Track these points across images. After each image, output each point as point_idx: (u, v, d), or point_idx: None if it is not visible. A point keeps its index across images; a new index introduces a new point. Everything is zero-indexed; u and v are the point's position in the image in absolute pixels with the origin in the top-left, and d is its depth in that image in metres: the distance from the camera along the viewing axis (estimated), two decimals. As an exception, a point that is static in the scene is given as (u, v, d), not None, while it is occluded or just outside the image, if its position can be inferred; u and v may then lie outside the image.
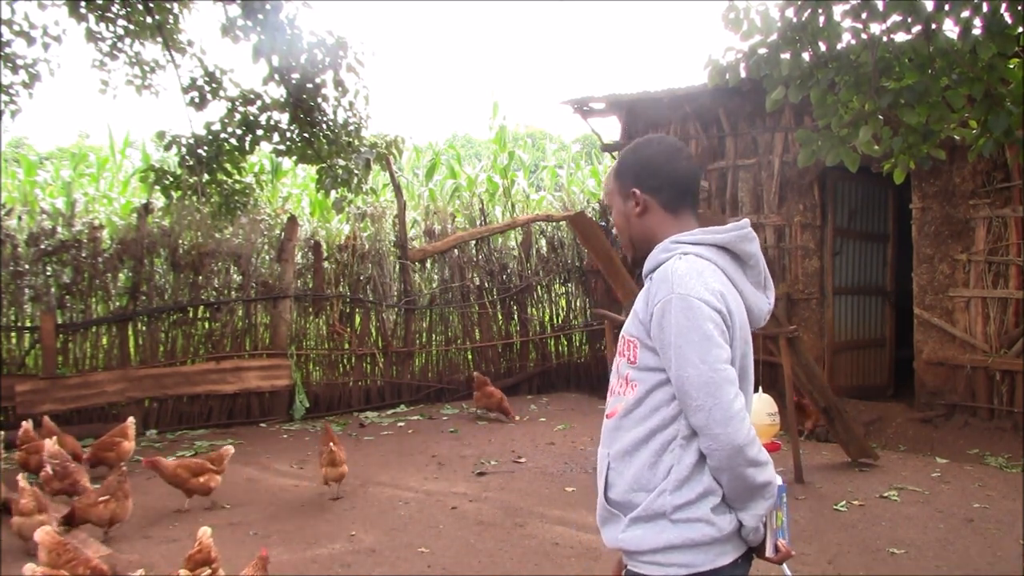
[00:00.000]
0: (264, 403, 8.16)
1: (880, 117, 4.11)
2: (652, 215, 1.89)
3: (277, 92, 7.95)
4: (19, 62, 7.33)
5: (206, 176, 8.01)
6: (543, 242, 9.99)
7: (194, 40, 8.26)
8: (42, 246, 7.44)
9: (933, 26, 3.80)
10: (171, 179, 8.21)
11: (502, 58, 57.28)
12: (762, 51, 4.18)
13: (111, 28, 7.97)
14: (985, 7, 3.68)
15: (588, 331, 9.89)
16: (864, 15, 3.93)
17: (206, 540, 3.62)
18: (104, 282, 7.69)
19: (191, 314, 8.01)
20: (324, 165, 7.97)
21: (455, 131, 24.07)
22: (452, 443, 7.15)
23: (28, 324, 7.41)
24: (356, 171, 7.78)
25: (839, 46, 4.14)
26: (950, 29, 3.93)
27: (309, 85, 7.76)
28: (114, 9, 7.85)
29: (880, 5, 3.87)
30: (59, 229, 7.62)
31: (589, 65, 54.86)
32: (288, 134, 8.11)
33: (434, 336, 9.29)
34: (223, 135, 8.01)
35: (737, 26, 4.26)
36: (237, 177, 8.43)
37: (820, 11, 4.03)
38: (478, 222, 9.72)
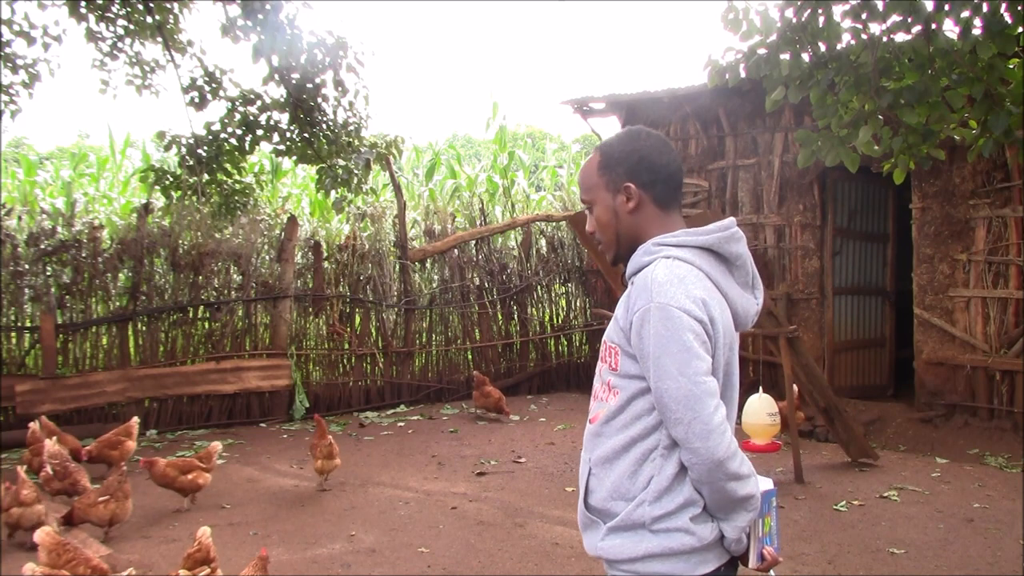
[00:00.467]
0: (264, 403, 8.16)
1: (880, 117, 4.11)
2: (644, 211, 1.81)
3: (277, 92, 7.95)
4: (19, 62, 7.33)
5: (206, 176, 8.01)
6: (543, 242, 9.99)
7: (194, 40, 8.27)
8: (42, 246, 7.43)
9: (933, 26, 3.80)
10: (171, 179, 8.21)
11: (502, 58, 57.33)
12: (762, 51, 4.18)
13: (111, 28, 7.97)
14: (985, 7, 3.68)
15: (588, 331, 9.90)
16: (864, 15, 3.93)
17: (205, 540, 3.62)
18: (104, 282, 7.69)
19: (191, 314, 8.01)
20: (324, 165, 7.97)
21: (455, 131, 24.13)
22: (452, 443, 7.15)
23: (28, 324, 7.40)
24: (356, 171, 7.78)
25: (839, 46, 4.14)
26: (950, 29, 3.93)
27: (309, 85, 7.77)
28: (114, 9, 7.85)
29: (880, 5, 3.87)
30: (59, 229, 7.62)
31: (589, 65, 54.89)
32: (288, 134, 8.11)
33: (434, 336, 9.29)
34: (223, 135, 8.02)
35: (736, 27, 4.26)
36: (237, 177, 8.43)
37: (820, 11, 4.03)
38: (478, 222, 9.72)
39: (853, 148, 4.22)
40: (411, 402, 8.90)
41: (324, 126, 7.99)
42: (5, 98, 7.25)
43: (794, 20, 4.07)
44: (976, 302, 7.12)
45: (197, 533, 3.67)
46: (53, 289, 7.42)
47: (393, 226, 9.24)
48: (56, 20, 16.03)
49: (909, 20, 3.84)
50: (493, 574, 4.23)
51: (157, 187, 8.30)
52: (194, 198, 8.10)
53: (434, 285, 9.34)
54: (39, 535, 3.63)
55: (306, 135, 8.01)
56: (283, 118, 8.06)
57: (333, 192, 7.89)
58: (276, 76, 7.67)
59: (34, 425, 5.84)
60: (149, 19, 7.94)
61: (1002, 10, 3.69)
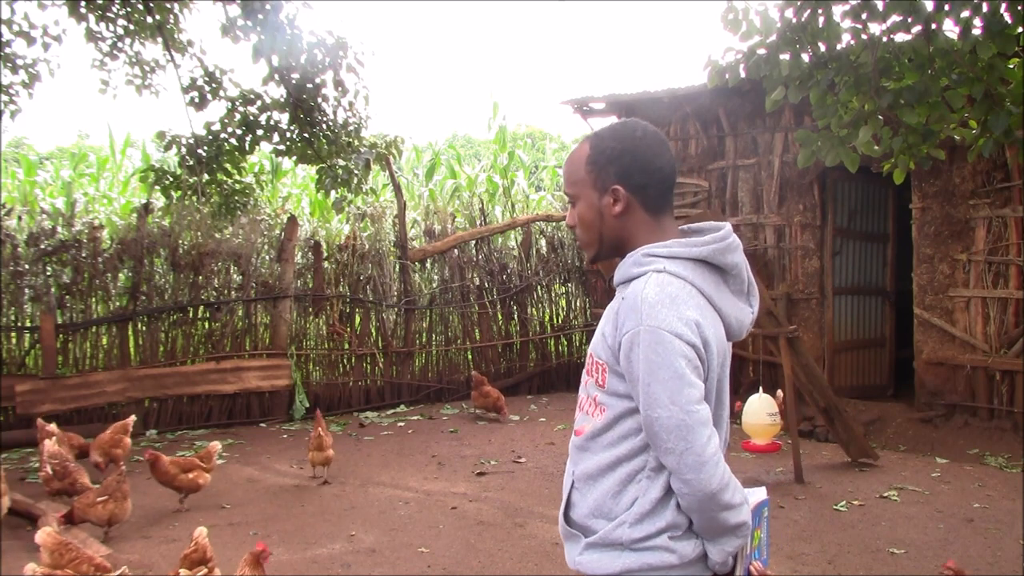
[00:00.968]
0: (264, 403, 8.16)
1: (880, 117, 4.11)
2: (632, 216, 1.70)
3: (277, 92, 7.95)
4: (19, 62, 7.33)
5: (206, 176, 8.01)
6: (543, 242, 9.99)
7: (194, 40, 8.27)
8: (42, 246, 7.43)
9: (933, 26, 3.80)
10: (171, 179, 8.21)
11: (502, 58, 57.28)
12: (761, 52, 4.18)
13: (111, 28, 7.97)
14: (985, 7, 3.69)
15: (588, 331, 9.89)
16: (864, 15, 3.93)
17: (202, 540, 3.62)
18: (104, 282, 7.69)
19: (191, 314, 8.01)
20: (324, 165, 7.97)
21: (455, 131, 24.10)
22: (452, 443, 7.16)
23: (28, 324, 7.41)
24: (356, 171, 7.78)
25: (839, 46, 4.14)
26: (950, 29, 3.94)
27: (309, 85, 7.77)
28: (114, 9, 7.85)
29: (880, 5, 3.87)
30: (59, 229, 7.62)
31: (589, 65, 54.86)
32: (288, 134, 8.11)
33: (434, 336, 9.29)
34: (223, 135, 8.01)
35: (736, 27, 4.27)
36: (237, 177, 8.43)
37: (820, 11, 4.04)
38: (478, 222, 9.72)
39: (853, 148, 4.23)
40: (411, 402, 8.90)
41: (324, 126, 7.99)
42: (5, 98, 7.25)
43: (794, 20, 4.07)
44: (976, 302, 7.12)
45: (194, 533, 3.67)
46: (53, 289, 7.42)
47: (393, 226, 9.24)
48: (56, 20, 16.03)
49: (909, 20, 3.84)
50: (493, 574, 4.23)
51: (157, 187, 8.30)
52: (194, 198, 8.10)
53: (434, 285, 9.34)
54: (40, 536, 3.63)
55: (306, 135, 8.01)
56: (283, 118, 8.06)
57: (333, 192, 7.89)
58: (276, 76, 7.67)
59: (45, 426, 5.79)
60: (149, 19, 7.94)
61: (1002, 10, 3.69)
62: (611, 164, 1.69)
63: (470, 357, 9.42)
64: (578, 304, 10.09)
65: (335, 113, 8.00)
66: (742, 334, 1.74)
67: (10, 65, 7.27)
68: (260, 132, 8.05)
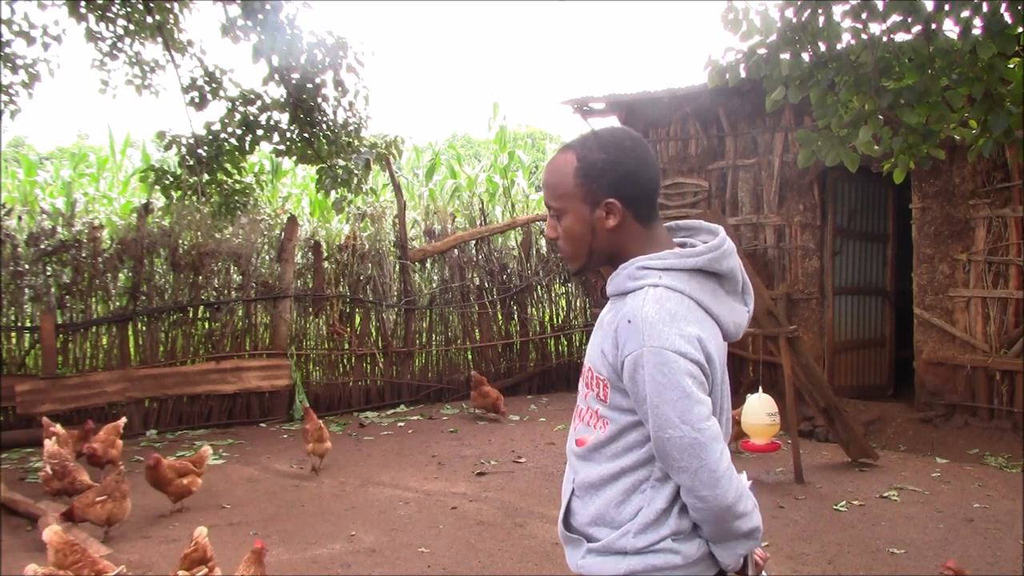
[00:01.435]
0: (264, 403, 8.16)
1: (880, 117, 4.11)
2: (626, 229, 1.66)
3: (277, 92, 7.95)
4: (19, 62, 7.32)
5: (206, 176, 8.01)
6: (543, 242, 9.99)
7: (194, 40, 8.26)
8: (42, 246, 7.43)
9: (933, 26, 3.80)
10: (171, 179, 8.21)
11: (502, 58, 57.27)
12: (762, 51, 4.18)
13: (111, 28, 7.97)
14: (985, 7, 3.69)
15: (588, 331, 9.88)
16: (864, 15, 3.93)
17: (202, 540, 3.61)
18: (104, 282, 7.69)
19: (191, 314, 8.01)
20: (324, 165, 7.97)
21: (455, 131, 24.09)
22: (452, 443, 7.15)
23: (28, 324, 7.41)
24: (356, 171, 7.78)
25: (839, 46, 4.14)
26: (950, 29, 3.94)
27: (309, 85, 7.76)
28: (114, 9, 7.85)
29: (880, 5, 3.87)
30: (59, 229, 7.62)
31: (589, 65, 54.85)
32: (288, 134, 8.11)
33: (434, 336, 9.29)
34: (223, 135, 8.01)
35: (736, 27, 4.27)
36: (237, 177, 8.43)
37: (820, 11, 4.04)
38: (478, 222, 9.72)
39: (853, 148, 4.23)
40: (411, 402, 8.90)
41: (324, 126, 7.98)
42: (5, 98, 7.25)
43: (794, 20, 4.07)
44: (976, 302, 7.12)
45: (194, 533, 3.67)
46: (53, 289, 7.42)
47: (393, 226, 9.24)
48: (56, 20, 16.04)
49: (909, 20, 3.84)
50: (493, 574, 4.23)
51: (157, 187, 8.30)
52: (194, 198, 8.10)
53: (434, 285, 9.35)
54: (47, 534, 3.62)
55: (306, 135, 8.01)
56: (283, 118, 8.05)
57: (333, 192, 7.89)
58: (276, 76, 7.67)
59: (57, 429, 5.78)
60: (149, 19, 7.94)
61: (1002, 10, 3.69)
62: (603, 177, 1.64)
63: (470, 357, 9.42)
64: (578, 304, 10.09)
65: (335, 113, 7.99)
66: (739, 335, 1.73)
67: (10, 65, 7.27)
68: (260, 132, 8.04)
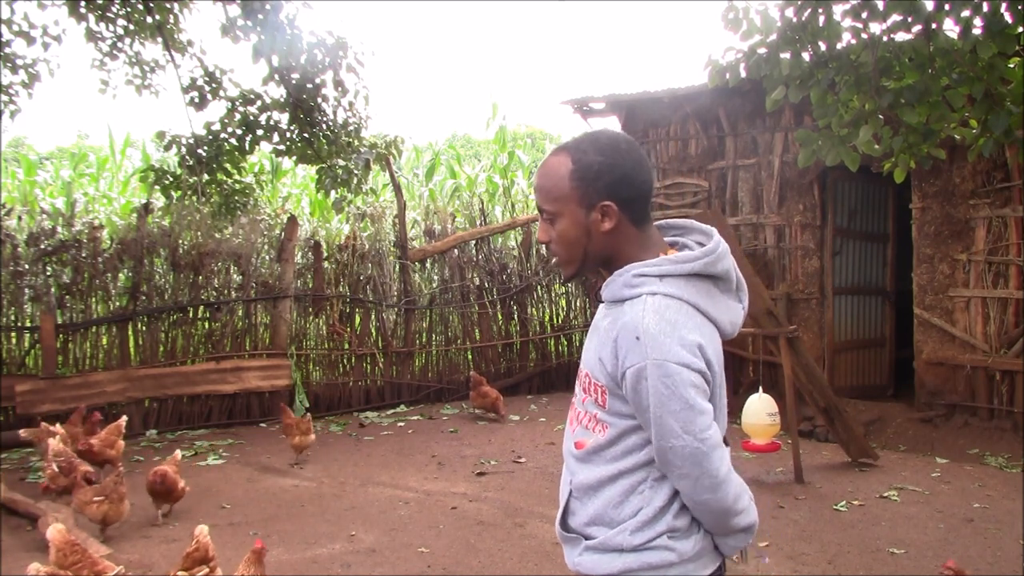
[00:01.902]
0: (264, 403, 8.15)
1: (880, 117, 4.11)
2: (621, 231, 1.67)
3: (277, 92, 7.95)
4: (19, 62, 7.32)
5: (206, 176, 8.01)
6: (543, 242, 9.98)
7: (194, 40, 8.26)
8: (42, 246, 7.43)
9: (933, 26, 3.80)
10: (171, 179, 8.21)
11: (502, 58, 57.25)
12: (762, 51, 4.18)
13: (111, 28, 7.97)
14: (985, 7, 3.69)
15: (588, 331, 9.88)
16: (864, 15, 3.93)
17: (203, 538, 3.61)
18: (104, 282, 7.69)
19: (191, 314, 8.01)
20: (324, 165, 7.97)
21: (455, 131, 24.07)
22: (452, 443, 7.15)
23: (28, 324, 7.40)
24: (356, 171, 7.78)
25: (839, 46, 4.15)
26: (950, 29, 3.94)
27: (309, 85, 7.76)
28: (114, 9, 7.85)
29: (880, 5, 3.87)
30: (59, 229, 7.61)
31: (589, 65, 54.83)
32: (288, 134, 8.11)
33: (434, 336, 9.29)
34: (223, 135, 8.01)
35: (737, 26, 4.27)
36: (237, 177, 8.43)
37: (820, 11, 4.04)
38: (478, 222, 9.72)
39: (853, 147, 4.23)
40: (411, 402, 8.90)
41: (324, 126, 7.98)
42: (5, 98, 7.25)
43: (794, 19, 4.07)
44: (976, 302, 7.12)
45: (195, 532, 3.66)
46: (53, 289, 7.42)
47: (393, 226, 9.24)
48: (56, 20, 16.04)
49: (909, 20, 3.84)
50: (493, 574, 4.23)
51: (157, 187, 8.30)
52: (194, 198, 8.10)
53: (434, 285, 9.34)
54: (51, 532, 3.62)
55: (306, 135, 8.00)
56: (283, 118, 8.05)
57: (333, 192, 7.89)
58: (276, 76, 7.67)
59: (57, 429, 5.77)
60: (149, 19, 7.94)
61: (1002, 10, 3.69)
62: (599, 180, 1.63)
63: (470, 357, 9.42)
64: (578, 304, 10.09)
65: (335, 113, 7.99)
66: (735, 332, 1.74)
67: (10, 65, 7.27)
68: (260, 132, 8.04)
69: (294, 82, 7.71)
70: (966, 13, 3.73)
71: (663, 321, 1.55)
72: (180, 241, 7.96)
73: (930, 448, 6.89)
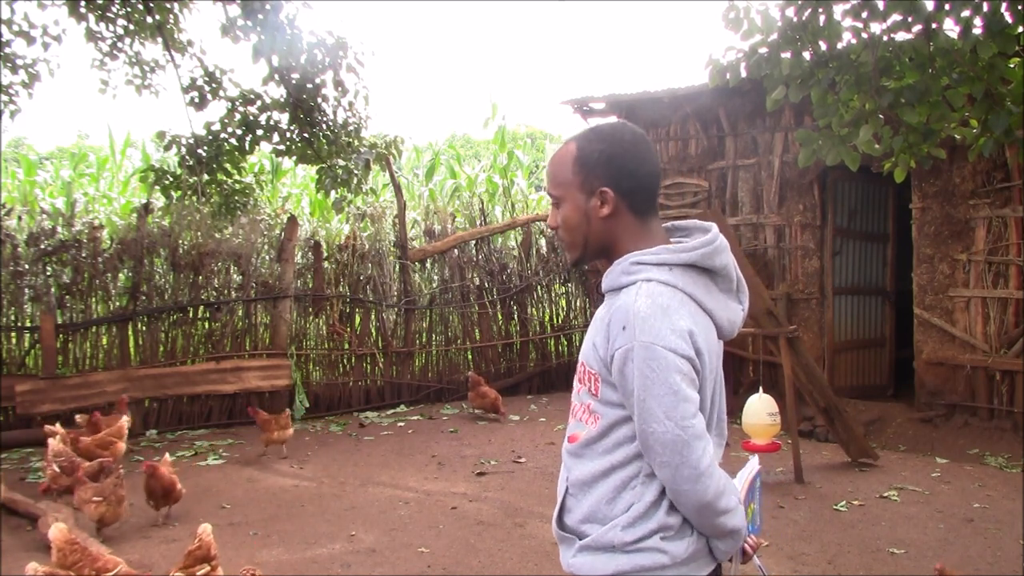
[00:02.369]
0: (264, 403, 8.13)
1: (880, 116, 4.11)
2: (620, 220, 1.70)
3: (277, 92, 7.95)
4: (19, 62, 7.32)
5: (206, 176, 8.00)
6: (543, 242, 9.99)
7: (194, 40, 8.26)
8: (42, 246, 7.42)
9: (933, 26, 3.81)
10: (171, 179, 8.21)
11: (502, 58, 57.26)
12: (762, 51, 4.19)
13: (111, 28, 7.97)
14: (985, 7, 3.69)
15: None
16: (864, 15, 3.94)
17: (206, 537, 3.60)
18: (104, 282, 7.68)
19: (191, 314, 8.01)
20: (324, 165, 7.97)
21: (455, 131, 24.07)
22: (452, 443, 7.15)
23: (28, 324, 7.40)
24: (356, 171, 7.77)
25: (839, 46, 4.15)
26: (950, 28, 3.94)
27: (309, 85, 7.76)
28: (114, 9, 7.85)
29: (880, 5, 3.88)
30: (59, 229, 7.61)
31: (589, 65, 54.83)
32: (288, 134, 8.11)
33: (434, 336, 9.29)
34: (223, 135, 8.01)
35: (737, 26, 4.27)
36: (237, 177, 8.43)
37: (820, 11, 4.04)
38: (478, 222, 9.72)
39: (853, 147, 4.23)
40: (411, 402, 8.90)
41: (324, 126, 7.98)
42: (5, 98, 7.24)
43: (795, 19, 4.08)
44: (976, 302, 7.12)
45: (198, 530, 3.66)
46: (53, 289, 7.42)
47: (393, 226, 9.24)
48: (56, 20, 16.02)
49: (909, 19, 3.84)
50: (493, 574, 4.23)
51: (157, 187, 8.30)
52: (194, 198, 8.10)
53: (434, 285, 9.34)
54: (53, 532, 3.62)
55: (306, 135, 8.00)
56: (283, 118, 8.05)
57: (333, 192, 7.88)
58: (276, 76, 7.67)
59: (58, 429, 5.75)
60: (149, 19, 7.94)
61: (1002, 10, 3.70)
62: (600, 166, 1.68)
63: (470, 357, 9.42)
64: (578, 304, 10.09)
65: (335, 113, 7.99)
66: (733, 333, 1.74)
67: (10, 65, 7.26)
68: (260, 132, 8.04)
69: (294, 82, 7.71)
70: (966, 13, 3.73)
71: (655, 306, 1.57)
72: (180, 241, 7.96)
73: (930, 448, 6.89)
